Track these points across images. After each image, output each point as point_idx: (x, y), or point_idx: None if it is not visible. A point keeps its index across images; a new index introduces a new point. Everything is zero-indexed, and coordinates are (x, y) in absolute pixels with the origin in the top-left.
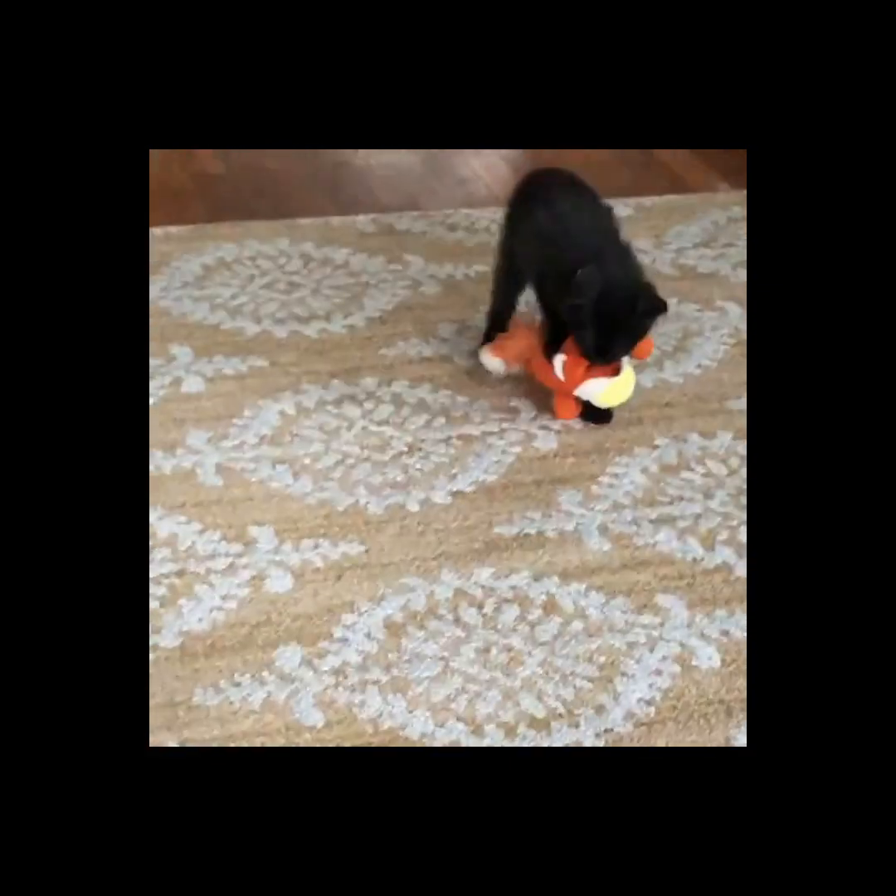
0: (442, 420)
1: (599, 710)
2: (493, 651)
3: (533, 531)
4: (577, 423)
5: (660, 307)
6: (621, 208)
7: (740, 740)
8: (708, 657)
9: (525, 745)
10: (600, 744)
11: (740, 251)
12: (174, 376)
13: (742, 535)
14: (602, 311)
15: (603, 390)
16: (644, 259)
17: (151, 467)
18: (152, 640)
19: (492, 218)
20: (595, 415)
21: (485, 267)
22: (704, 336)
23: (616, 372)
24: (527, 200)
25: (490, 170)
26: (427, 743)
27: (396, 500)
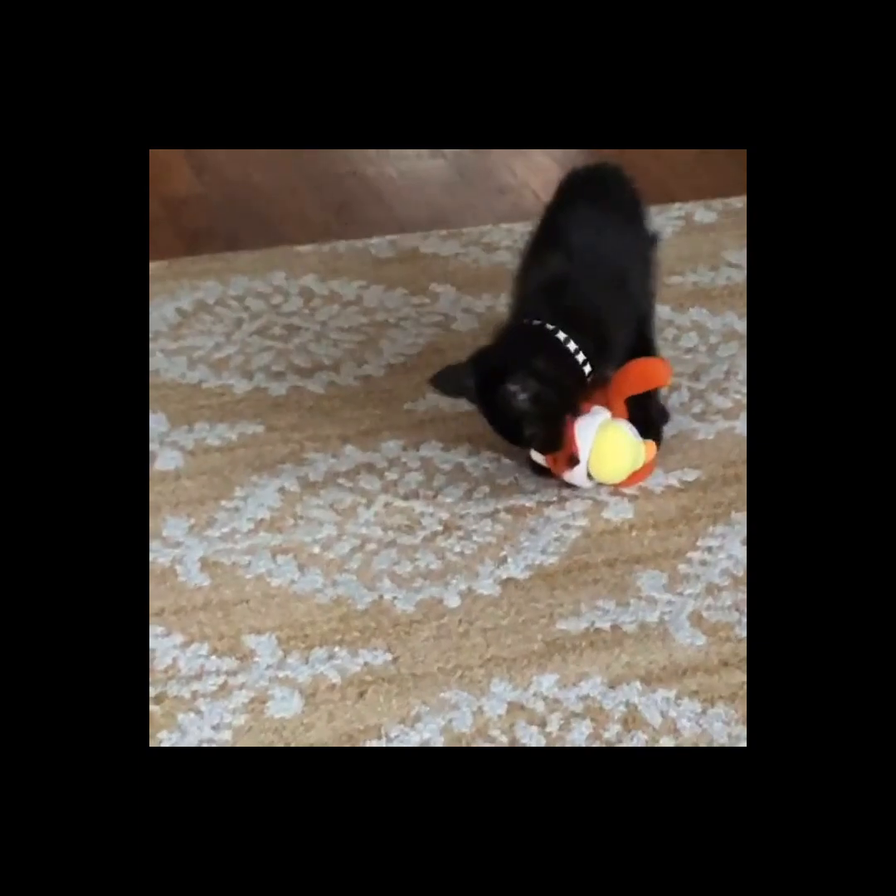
0: (485, 489)
1: None
2: None
3: (606, 625)
4: (656, 486)
5: (516, 397)
6: (704, 213)
7: None
8: None
9: None
10: None
11: None
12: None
13: None
14: (483, 397)
15: (582, 470)
16: (736, 275)
17: None
18: None
19: None
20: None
21: None
22: None
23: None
24: (552, 200)
25: (537, 174)
26: None
27: (431, 593)
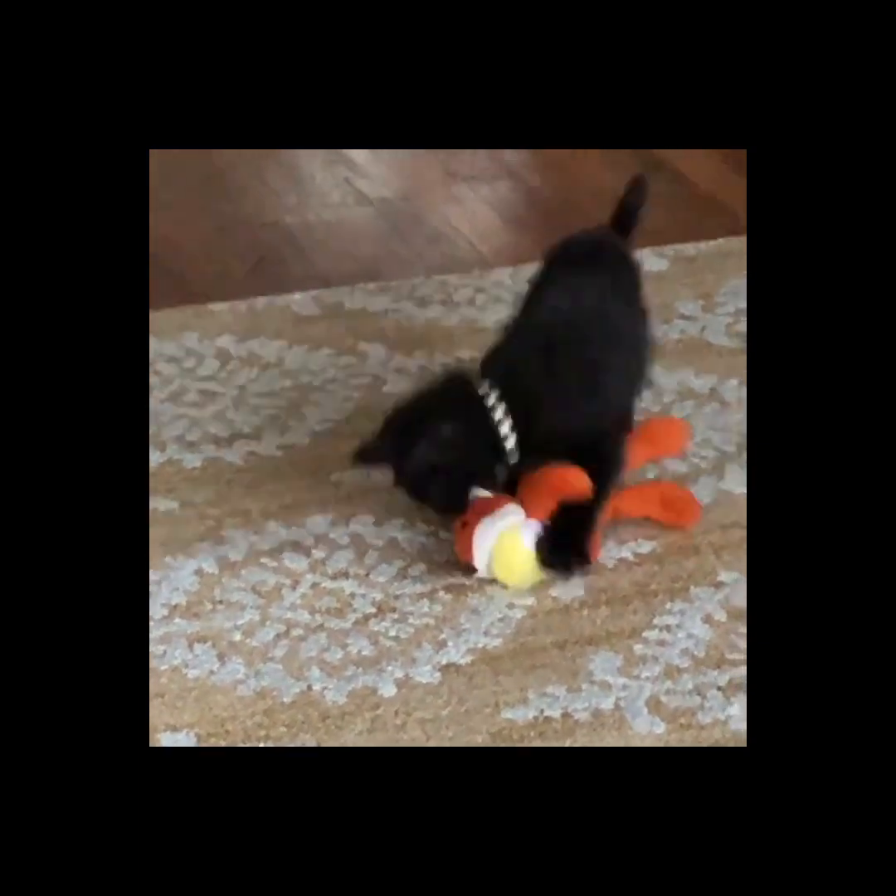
0: (422, 567)
1: None
2: None
3: (556, 713)
4: (608, 560)
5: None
6: (654, 260)
7: None
8: None
9: None
10: None
11: None
12: None
13: None
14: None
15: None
16: (690, 328)
17: None
18: None
19: (477, 285)
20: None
21: (471, 352)
22: None
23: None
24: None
25: (473, 221)
26: None
27: (364, 682)
